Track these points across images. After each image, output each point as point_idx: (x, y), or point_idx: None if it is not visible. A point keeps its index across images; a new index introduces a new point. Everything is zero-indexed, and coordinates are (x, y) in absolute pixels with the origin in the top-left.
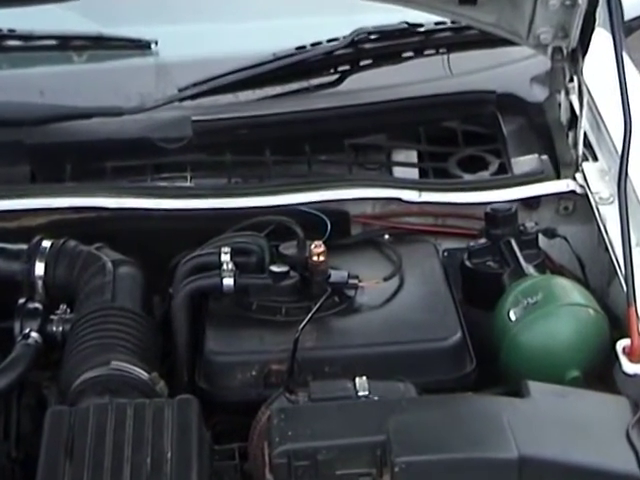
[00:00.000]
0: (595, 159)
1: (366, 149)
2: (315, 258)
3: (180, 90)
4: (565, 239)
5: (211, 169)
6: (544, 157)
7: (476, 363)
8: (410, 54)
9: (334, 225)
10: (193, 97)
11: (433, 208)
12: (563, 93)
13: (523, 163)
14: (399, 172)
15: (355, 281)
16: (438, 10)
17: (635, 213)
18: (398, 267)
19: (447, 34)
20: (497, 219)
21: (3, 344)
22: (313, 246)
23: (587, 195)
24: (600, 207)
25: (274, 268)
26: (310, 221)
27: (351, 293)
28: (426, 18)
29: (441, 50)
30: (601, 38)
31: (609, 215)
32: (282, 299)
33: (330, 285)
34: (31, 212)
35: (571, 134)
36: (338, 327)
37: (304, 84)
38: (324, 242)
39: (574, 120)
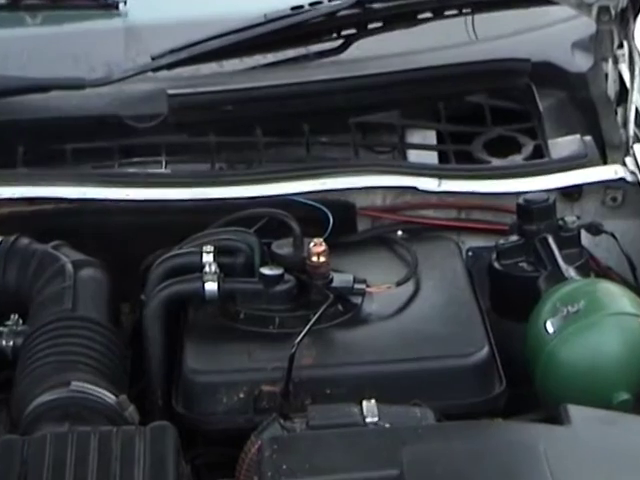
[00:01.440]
0: None
1: (375, 129)
2: (314, 259)
3: (154, 58)
4: (613, 236)
5: (191, 152)
6: (587, 138)
7: (506, 384)
8: (427, 15)
9: (337, 219)
10: (169, 67)
11: (455, 199)
12: (611, 61)
13: (562, 145)
14: (415, 156)
15: (362, 286)
16: None
17: None
18: (413, 269)
19: None
20: (531, 212)
21: None
22: (312, 244)
23: (639, 183)
24: None
25: (266, 271)
26: (309, 215)
27: (357, 300)
28: None
29: (465, 10)
30: None
31: None
32: (275, 307)
33: (332, 291)
34: None
35: (620, 110)
36: (342, 341)
37: (301, 51)
38: (325, 239)
39: (624, 93)
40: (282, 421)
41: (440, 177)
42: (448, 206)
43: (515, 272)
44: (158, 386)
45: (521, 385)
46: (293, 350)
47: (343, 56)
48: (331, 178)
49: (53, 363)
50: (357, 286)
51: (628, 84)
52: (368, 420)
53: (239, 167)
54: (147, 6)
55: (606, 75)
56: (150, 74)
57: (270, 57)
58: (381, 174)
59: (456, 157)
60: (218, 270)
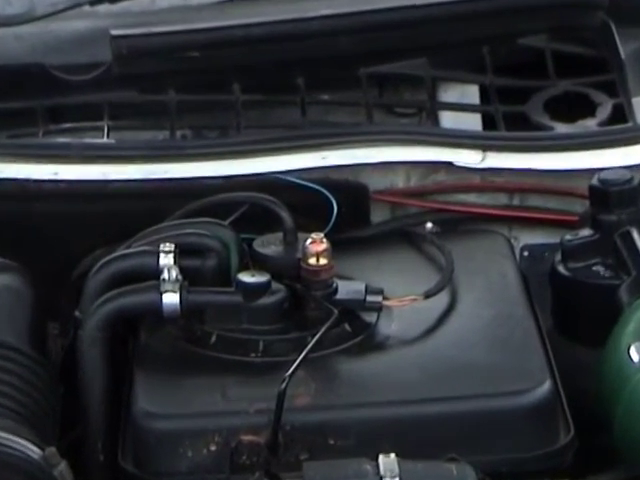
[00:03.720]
0: None
1: (395, 83)
2: (312, 260)
3: None
4: None
5: (143, 115)
6: None
7: (575, 431)
8: None
9: (344, 207)
10: None
11: (505, 179)
12: None
13: None
14: (450, 120)
15: (378, 298)
16: None
17: None
18: (448, 275)
19: None
20: (609, 197)
21: None
22: (309, 241)
23: None
24: None
25: (246, 277)
26: (305, 200)
27: (371, 318)
28: None
29: None
30: None
31: None
32: (259, 327)
33: (337, 304)
34: None
35: None
36: (350, 373)
37: None
38: (327, 234)
39: None
40: None
41: (485, 149)
42: (496, 188)
43: (587, 279)
44: (99, 435)
45: (595, 433)
46: (283, 386)
47: None
48: (335, 150)
49: None
50: (371, 298)
51: None
52: None
53: (209, 135)
54: None
55: None
56: (87, 9)
57: None
58: (404, 145)
59: (506, 121)
60: (181, 277)
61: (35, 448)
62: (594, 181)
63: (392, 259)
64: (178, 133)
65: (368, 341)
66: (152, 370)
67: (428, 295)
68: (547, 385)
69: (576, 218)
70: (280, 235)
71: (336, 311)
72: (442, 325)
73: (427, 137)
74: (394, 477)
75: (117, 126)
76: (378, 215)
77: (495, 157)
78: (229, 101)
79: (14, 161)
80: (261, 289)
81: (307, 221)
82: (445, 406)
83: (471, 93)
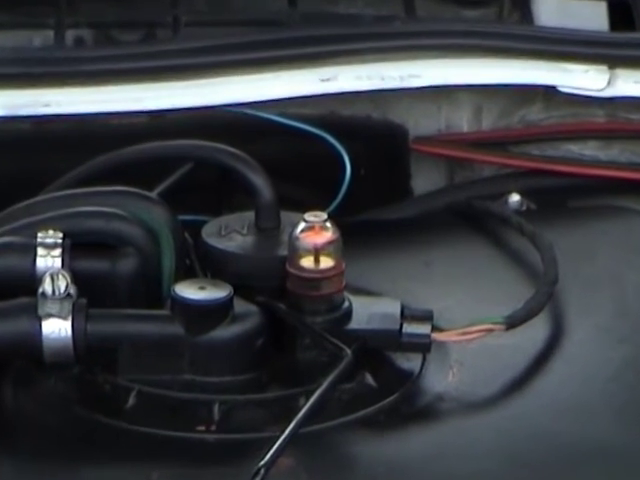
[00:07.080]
0: None
1: None
2: (307, 262)
3: None
4: None
5: (10, 5)
6: None
7: None
8: None
9: (367, 167)
10: None
11: None
12: None
13: None
14: (551, 12)
15: (424, 330)
16: None
17: None
18: (547, 288)
19: None
20: None
21: None
22: (302, 227)
23: None
24: None
25: (188, 292)
26: (296, 154)
27: (412, 364)
28: None
29: None
30: None
31: None
32: (212, 380)
33: (351, 340)
34: None
35: None
36: (373, 460)
37: None
38: (333, 215)
39: None
40: None
41: (613, 63)
42: (633, 133)
43: None
44: None
45: None
46: None
47: None
48: (348, 65)
49: None
50: (412, 329)
51: None
52: None
53: (123, 39)
54: None
55: None
56: None
57: None
58: (470, 56)
59: None
60: (74, 291)
61: None
62: None
63: (449, 257)
64: (69, 35)
65: (406, 404)
66: (24, 455)
67: (513, 323)
68: None
69: None
70: (250, 216)
71: (349, 352)
72: (538, 376)
73: (512, 42)
74: None
75: None
76: (425, 179)
77: (631, 78)
78: None
79: None
80: (216, 312)
81: (299, 191)
82: None
83: None
